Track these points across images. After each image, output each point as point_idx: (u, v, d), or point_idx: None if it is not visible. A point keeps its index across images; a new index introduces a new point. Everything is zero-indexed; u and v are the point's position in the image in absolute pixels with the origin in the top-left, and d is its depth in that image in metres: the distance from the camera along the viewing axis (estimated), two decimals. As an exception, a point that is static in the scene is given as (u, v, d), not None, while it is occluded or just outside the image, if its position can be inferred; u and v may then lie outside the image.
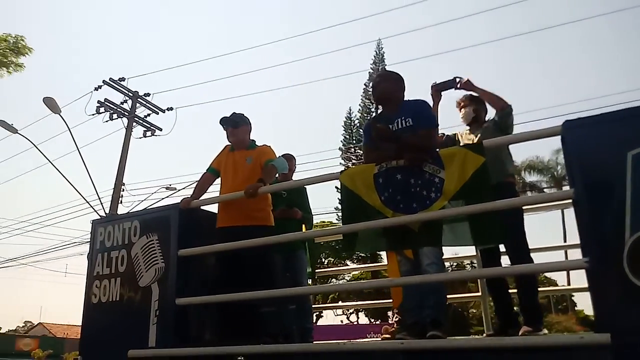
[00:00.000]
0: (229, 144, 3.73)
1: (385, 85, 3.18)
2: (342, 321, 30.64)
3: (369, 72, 31.50)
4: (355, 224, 2.85)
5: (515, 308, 3.37)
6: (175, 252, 3.32)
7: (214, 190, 3.88)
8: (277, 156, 3.63)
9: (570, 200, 2.41)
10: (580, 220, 2.31)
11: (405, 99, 3.22)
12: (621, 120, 2.33)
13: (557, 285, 20.69)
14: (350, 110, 36.21)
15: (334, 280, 25.84)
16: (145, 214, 3.84)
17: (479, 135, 3.42)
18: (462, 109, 3.61)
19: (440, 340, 2.47)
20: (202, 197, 3.62)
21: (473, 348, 2.34)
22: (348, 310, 31.64)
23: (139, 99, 16.03)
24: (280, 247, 3.80)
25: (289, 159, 4.23)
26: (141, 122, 16.12)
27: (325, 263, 29.83)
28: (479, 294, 3.97)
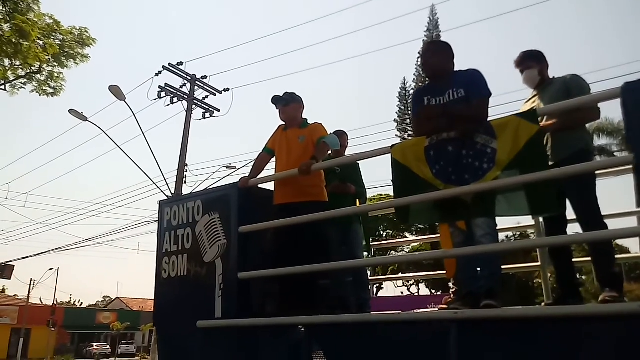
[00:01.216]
0: (283, 123, 3.83)
1: (435, 60, 3.13)
2: (402, 293, 30.74)
3: (423, 40, 30.67)
4: (407, 198, 2.88)
5: (579, 277, 3.28)
6: (236, 229, 3.48)
7: (271, 168, 4.01)
8: (329, 133, 3.70)
9: (631, 166, 2.33)
10: (641, 187, 2.23)
11: (455, 69, 3.17)
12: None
13: (629, 252, 19.71)
14: (404, 80, 35.53)
15: (393, 252, 25.91)
16: (207, 194, 4.03)
17: (544, 103, 3.20)
18: (525, 71, 3.35)
19: (494, 309, 2.48)
20: (259, 176, 3.76)
21: (528, 317, 2.33)
22: (409, 282, 31.70)
23: (197, 82, 16.54)
24: (335, 221, 3.91)
25: (341, 135, 4.28)
26: (200, 104, 16.65)
27: (384, 235, 29.88)
28: (539, 263, 3.90)
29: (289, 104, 3.74)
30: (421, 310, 3.04)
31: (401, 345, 2.67)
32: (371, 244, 4.42)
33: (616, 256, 3.17)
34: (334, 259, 3.83)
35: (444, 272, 3.22)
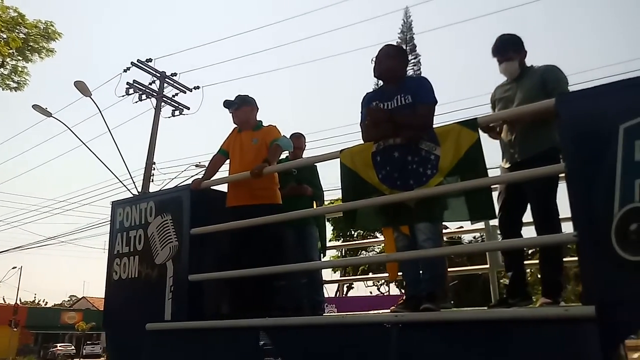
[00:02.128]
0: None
1: (389, 63, 3.15)
2: (371, 292, 30.95)
3: (397, 42, 30.96)
4: (354, 202, 2.93)
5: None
6: (187, 231, 3.48)
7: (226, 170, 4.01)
8: (283, 135, 3.72)
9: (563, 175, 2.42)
10: (572, 194, 2.31)
11: (407, 75, 3.23)
12: (613, 93, 2.30)
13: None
14: (377, 82, 35.72)
15: (364, 252, 26.07)
16: (160, 195, 4.01)
17: (521, 93, 3.06)
18: (504, 62, 3.15)
19: (433, 312, 2.55)
20: (213, 178, 3.76)
21: (462, 320, 2.40)
22: (379, 282, 31.93)
23: (166, 79, 16.32)
24: (290, 223, 3.93)
25: (298, 137, 4.32)
26: (169, 101, 16.43)
27: (355, 236, 30.03)
28: (487, 266, 4.01)
29: (240, 107, 3.75)
30: (364, 313, 3.10)
31: (347, 347, 2.71)
32: (327, 246, 4.45)
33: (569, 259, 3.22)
34: (288, 261, 3.85)
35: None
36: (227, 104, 3.78)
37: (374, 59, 3.17)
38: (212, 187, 3.72)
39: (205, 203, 3.62)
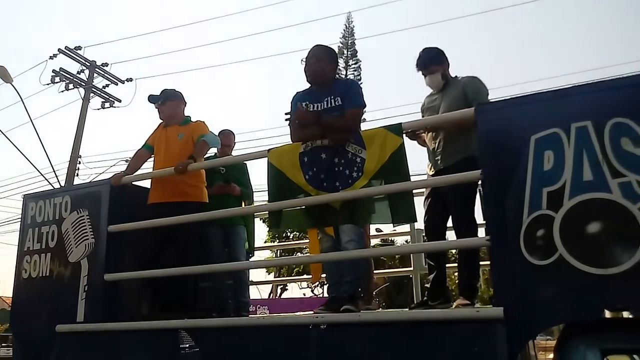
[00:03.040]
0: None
1: (320, 65, 3.14)
2: (304, 294, 31.04)
3: (338, 46, 31.28)
4: (280, 202, 2.91)
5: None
6: (105, 228, 3.32)
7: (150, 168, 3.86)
8: (210, 131, 3.63)
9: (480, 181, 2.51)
10: (486, 201, 2.41)
11: (336, 77, 3.25)
12: (527, 104, 2.42)
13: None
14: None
15: (299, 253, 26.09)
16: (77, 189, 3.81)
17: (445, 103, 3.19)
18: (428, 76, 3.28)
19: (352, 314, 2.57)
20: (136, 173, 3.61)
21: (381, 321, 2.44)
22: (313, 284, 32.07)
23: (96, 69, 15.58)
24: (216, 222, 3.84)
25: (227, 134, 4.24)
26: (99, 92, 15.69)
27: (291, 237, 30.00)
28: (411, 269, 4.11)
29: (165, 102, 3.64)
30: (286, 314, 3.08)
31: (268, 349, 2.68)
32: (255, 246, 4.39)
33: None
34: (213, 261, 3.77)
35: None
36: (152, 98, 3.66)
37: (304, 60, 3.16)
38: (134, 183, 3.57)
39: (125, 199, 3.47)
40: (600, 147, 2.18)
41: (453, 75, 3.33)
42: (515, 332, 2.16)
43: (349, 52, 32.05)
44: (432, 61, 3.28)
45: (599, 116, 2.21)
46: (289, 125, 3.08)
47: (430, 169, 3.29)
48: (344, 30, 34.47)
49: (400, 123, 2.77)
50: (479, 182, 2.98)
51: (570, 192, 2.20)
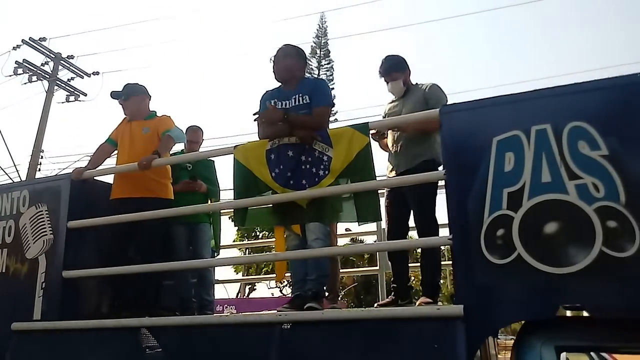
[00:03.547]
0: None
1: (288, 62, 3.16)
2: (272, 294, 30.91)
3: (312, 46, 31.31)
4: (246, 199, 2.88)
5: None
6: (64, 224, 3.23)
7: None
8: (176, 126, 3.57)
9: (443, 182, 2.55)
10: (449, 200, 2.44)
11: (305, 76, 3.26)
12: (489, 107, 2.47)
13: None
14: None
15: (267, 252, 25.95)
16: (36, 184, 3.67)
17: (407, 109, 3.31)
18: (390, 83, 3.41)
19: (316, 312, 2.57)
20: (99, 168, 3.53)
21: (344, 319, 2.45)
22: (281, 283, 31.97)
23: (61, 61, 15.14)
24: (181, 220, 3.79)
25: (195, 131, 4.18)
26: (64, 85, 15.27)
27: (260, 236, 29.85)
28: (377, 267, 4.15)
29: (128, 97, 3.57)
30: (249, 313, 3.06)
31: (231, 347, 2.65)
32: (221, 244, 4.34)
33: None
34: (177, 259, 3.72)
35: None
36: (115, 94, 3.59)
37: (273, 59, 3.16)
38: (96, 178, 3.48)
39: (87, 194, 3.37)
40: (559, 150, 2.25)
41: (414, 83, 3.46)
42: (474, 329, 2.20)
43: (321, 52, 32.06)
44: (394, 68, 3.42)
45: (558, 120, 2.27)
46: (256, 122, 3.06)
47: (391, 170, 3.38)
48: (317, 30, 34.50)
49: (367, 122, 2.79)
50: (438, 184, 3.13)
51: (530, 193, 2.26)
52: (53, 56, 14.94)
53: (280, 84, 3.20)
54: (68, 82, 15.33)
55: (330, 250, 2.91)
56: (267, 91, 3.23)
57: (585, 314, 2.31)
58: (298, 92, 3.05)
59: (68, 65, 15.18)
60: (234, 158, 2.97)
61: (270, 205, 2.93)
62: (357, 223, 2.82)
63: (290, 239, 3.03)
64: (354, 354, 2.39)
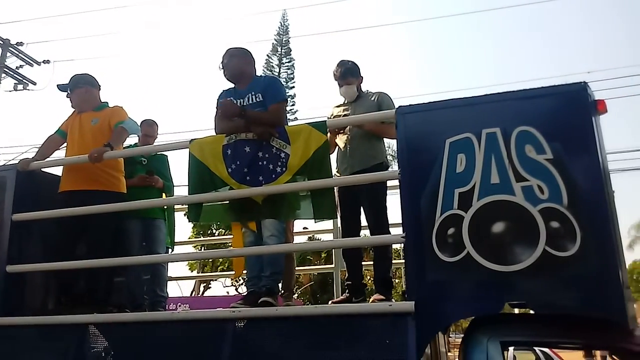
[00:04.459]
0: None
1: (235, 62, 3.18)
2: (228, 292, 30.57)
3: (273, 43, 31.16)
4: (202, 195, 2.85)
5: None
6: (9, 216, 3.11)
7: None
8: (129, 117, 3.48)
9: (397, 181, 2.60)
10: (403, 199, 2.50)
11: (256, 74, 3.27)
12: (444, 109, 2.54)
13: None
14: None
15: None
16: (-21, 174, 3.50)
17: (359, 113, 3.39)
18: (345, 86, 3.48)
19: (268, 308, 2.57)
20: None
21: (297, 315, 2.47)
22: (237, 282, 31.68)
23: (10, 48, 14.45)
24: (135, 215, 3.70)
25: (150, 124, 4.09)
26: (12, 73, 14.59)
27: (216, 233, 29.49)
28: (333, 265, 4.18)
29: (73, 90, 3.47)
30: (202, 310, 3.02)
31: (183, 343, 2.62)
32: (176, 241, 4.26)
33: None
34: (129, 255, 3.62)
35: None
36: (61, 87, 3.49)
37: (220, 65, 3.18)
38: (44, 170, 3.36)
39: (34, 186, 3.25)
40: (507, 153, 2.34)
41: (363, 90, 3.57)
42: (425, 325, 2.27)
43: (282, 50, 31.93)
44: (350, 73, 3.51)
45: (508, 124, 2.36)
46: (214, 119, 3.03)
47: (341, 171, 3.43)
48: (279, 27, 34.35)
49: (325, 121, 2.82)
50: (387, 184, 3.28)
51: (479, 193, 2.34)
52: (1, 42, 14.24)
53: (234, 84, 3.20)
54: (16, 70, 14.66)
55: (285, 247, 2.92)
56: (223, 90, 3.22)
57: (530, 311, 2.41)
58: (250, 90, 3.07)
59: (17, 52, 14.51)
60: (190, 152, 2.93)
61: (226, 201, 2.90)
62: (313, 220, 2.83)
63: (246, 236, 3.02)
64: (307, 350, 2.41)
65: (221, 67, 3.19)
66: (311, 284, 24.15)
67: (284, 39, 33.56)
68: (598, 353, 7.75)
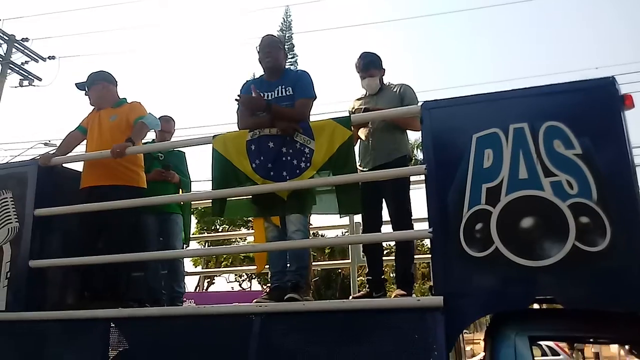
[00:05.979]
0: None
1: (281, 55, 3.19)
2: (232, 288, 30.63)
3: (275, 39, 31.07)
4: (226, 190, 2.85)
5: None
6: (31, 212, 3.11)
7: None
8: (149, 113, 3.48)
9: (423, 176, 2.60)
10: (429, 194, 2.50)
11: (287, 67, 3.26)
12: (470, 104, 2.54)
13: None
14: (254, 76, 35.42)
15: (228, 245, 25.63)
16: (1, 169, 3.52)
17: (381, 106, 3.34)
18: (367, 79, 3.45)
19: (296, 302, 2.58)
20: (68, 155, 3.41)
21: (325, 310, 2.48)
22: (241, 277, 31.73)
23: (15, 44, 14.43)
24: (152, 210, 3.71)
25: (168, 121, 4.09)
26: (17, 69, 14.57)
27: (220, 230, 29.50)
28: (349, 261, 4.19)
29: (90, 87, 3.48)
30: (226, 304, 3.02)
31: (208, 338, 2.63)
32: (191, 236, 4.28)
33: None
34: (148, 249, 3.63)
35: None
36: (79, 86, 3.51)
37: (258, 48, 3.14)
38: (65, 166, 3.36)
39: (55, 181, 3.25)
40: (535, 148, 2.34)
41: (385, 83, 3.53)
42: (453, 319, 2.27)
43: (286, 46, 31.84)
44: (373, 65, 3.47)
45: (535, 119, 2.36)
46: (236, 112, 3.03)
47: (365, 166, 3.40)
48: (282, 23, 34.26)
49: (349, 116, 2.82)
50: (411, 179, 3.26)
51: (507, 188, 2.34)
52: (6, 38, 14.22)
53: (263, 73, 3.18)
54: (22, 66, 14.64)
55: (312, 242, 2.92)
56: (247, 81, 3.19)
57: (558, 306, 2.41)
58: (281, 83, 3.05)
59: (22, 48, 14.49)
60: (213, 148, 2.93)
61: (250, 196, 2.91)
62: (338, 215, 2.83)
63: (269, 231, 3.02)
64: (333, 345, 2.42)
65: (260, 52, 3.13)
66: (315, 279, 24.21)
67: (287, 35, 33.49)
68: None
